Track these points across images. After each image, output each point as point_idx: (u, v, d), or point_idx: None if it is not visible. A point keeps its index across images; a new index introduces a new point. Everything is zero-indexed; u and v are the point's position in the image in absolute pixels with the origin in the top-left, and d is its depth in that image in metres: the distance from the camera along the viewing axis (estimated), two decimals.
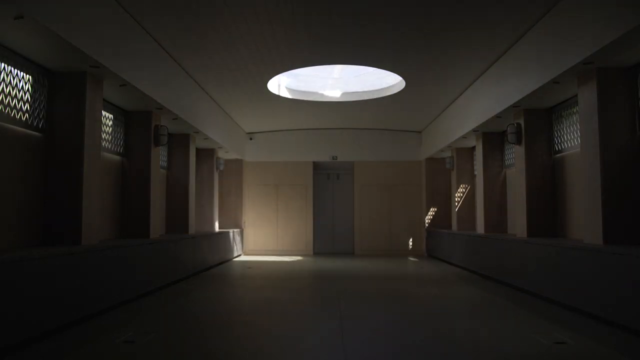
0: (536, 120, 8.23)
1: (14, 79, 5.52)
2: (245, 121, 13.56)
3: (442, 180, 14.16)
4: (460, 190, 12.37)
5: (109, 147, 7.72)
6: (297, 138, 14.96)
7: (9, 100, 5.42)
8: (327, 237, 15.09)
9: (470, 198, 12.14)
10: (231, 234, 12.94)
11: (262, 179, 14.92)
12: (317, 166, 15.08)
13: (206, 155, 12.31)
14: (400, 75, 9.65)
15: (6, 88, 5.39)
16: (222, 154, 13.13)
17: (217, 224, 12.42)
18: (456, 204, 12.36)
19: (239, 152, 13.96)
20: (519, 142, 8.35)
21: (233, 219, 14.35)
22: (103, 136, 7.33)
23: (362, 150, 14.89)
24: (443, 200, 14.14)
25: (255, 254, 14.52)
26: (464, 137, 10.80)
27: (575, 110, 7.46)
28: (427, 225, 14.21)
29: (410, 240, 14.66)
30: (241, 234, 14.35)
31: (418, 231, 14.65)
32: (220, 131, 11.75)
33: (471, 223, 11.93)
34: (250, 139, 14.99)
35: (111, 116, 7.80)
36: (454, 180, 12.62)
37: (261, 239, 14.75)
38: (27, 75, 5.75)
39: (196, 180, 11.71)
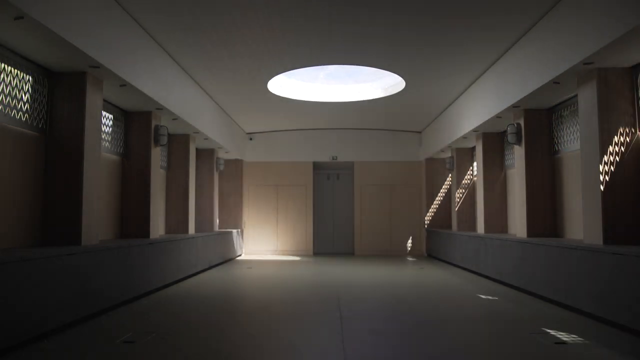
0: (536, 120, 8.23)
1: (14, 79, 5.53)
2: (245, 121, 13.56)
3: (442, 180, 14.17)
4: (460, 190, 12.35)
5: (109, 147, 7.72)
6: (297, 138, 14.95)
7: (9, 100, 5.42)
8: (327, 237, 15.08)
9: (470, 198, 12.14)
10: (234, 234, 12.93)
11: (262, 179, 14.91)
12: (317, 166, 15.08)
13: (206, 155, 12.31)
14: (400, 76, 9.65)
15: (6, 88, 5.39)
16: (222, 154, 13.12)
17: (216, 225, 12.41)
18: (456, 204, 12.35)
19: (239, 152, 13.95)
20: (518, 142, 8.35)
21: (233, 220, 14.34)
22: (103, 136, 7.33)
23: (362, 150, 14.88)
24: (443, 200, 14.16)
25: (256, 254, 14.52)
26: (464, 137, 10.80)
27: (575, 110, 7.46)
28: (427, 225, 14.21)
29: (410, 240, 14.67)
30: (241, 234, 14.34)
31: (418, 231, 14.65)
32: (220, 131, 11.74)
33: (471, 223, 11.92)
34: (250, 139, 14.99)
35: (111, 116, 7.80)
36: (454, 180, 12.62)
37: (261, 239, 14.73)
38: (27, 76, 5.75)
39: (196, 181, 11.71)
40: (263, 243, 14.72)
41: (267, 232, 14.75)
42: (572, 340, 4.75)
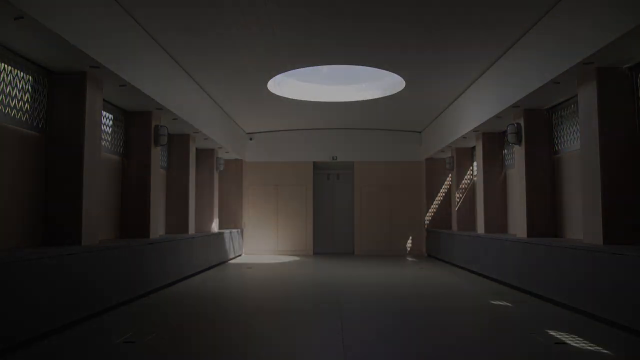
0: (536, 120, 8.23)
1: (14, 79, 5.53)
2: (245, 121, 13.56)
3: (442, 180, 14.17)
4: (460, 190, 12.36)
5: (109, 147, 7.72)
6: (297, 138, 14.93)
7: (9, 100, 5.43)
8: (327, 237, 15.08)
9: (470, 198, 12.13)
10: (227, 235, 12.94)
11: (262, 179, 14.89)
12: (317, 166, 15.07)
13: (206, 155, 12.30)
14: (400, 75, 9.65)
15: (6, 88, 5.40)
16: (222, 154, 13.11)
17: (216, 225, 12.40)
18: (456, 204, 12.34)
19: (239, 153, 13.95)
20: (518, 142, 8.35)
21: (233, 220, 14.33)
22: (103, 136, 7.33)
23: (362, 150, 14.87)
24: (443, 201, 14.16)
25: (256, 253, 14.54)
26: (463, 137, 10.80)
27: (575, 110, 7.46)
28: (427, 225, 14.20)
29: (410, 240, 14.68)
30: (241, 234, 14.33)
31: (418, 231, 14.66)
32: (220, 131, 11.73)
33: (471, 223, 11.92)
34: (250, 139, 14.97)
35: (111, 116, 7.80)
36: (454, 180, 12.62)
37: (261, 239, 14.73)
38: (27, 76, 5.75)
39: (196, 181, 11.72)
40: (263, 243, 14.70)
41: (267, 232, 14.73)
42: (572, 340, 4.75)
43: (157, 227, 8.47)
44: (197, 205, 11.59)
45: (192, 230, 10.39)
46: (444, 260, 12.24)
